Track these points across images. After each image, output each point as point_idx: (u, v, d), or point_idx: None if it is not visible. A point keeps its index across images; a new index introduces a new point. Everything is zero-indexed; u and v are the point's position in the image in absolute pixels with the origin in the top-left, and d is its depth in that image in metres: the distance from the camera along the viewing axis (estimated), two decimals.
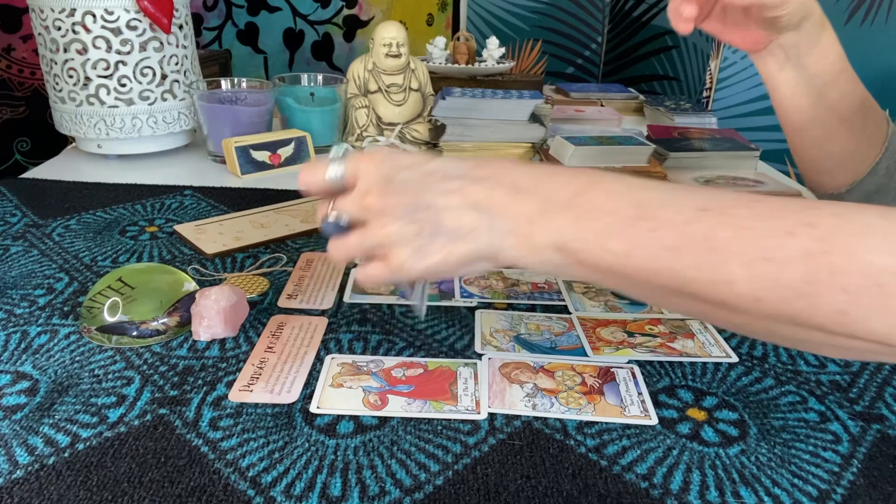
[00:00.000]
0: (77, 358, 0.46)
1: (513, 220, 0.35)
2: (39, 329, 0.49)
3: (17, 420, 0.40)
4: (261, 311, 0.53)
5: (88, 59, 0.81)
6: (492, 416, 0.41)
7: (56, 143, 1.22)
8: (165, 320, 0.48)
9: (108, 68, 0.82)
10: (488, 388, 0.43)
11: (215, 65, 1.36)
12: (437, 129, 0.93)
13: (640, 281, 0.33)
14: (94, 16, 0.79)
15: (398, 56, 1.00)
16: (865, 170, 0.57)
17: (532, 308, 0.54)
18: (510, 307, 0.54)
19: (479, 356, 0.47)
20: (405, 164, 0.38)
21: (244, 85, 0.93)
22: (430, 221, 0.36)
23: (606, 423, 0.41)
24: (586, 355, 0.48)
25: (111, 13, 0.80)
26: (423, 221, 0.37)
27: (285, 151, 0.89)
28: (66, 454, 0.37)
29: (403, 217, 0.37)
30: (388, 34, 0.99)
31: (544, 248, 0.34)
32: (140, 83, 0.84)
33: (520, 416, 0.41)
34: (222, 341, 0.48)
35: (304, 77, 1.01)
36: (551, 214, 0.34)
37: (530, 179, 0.36)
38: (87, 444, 0.38)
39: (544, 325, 0.51)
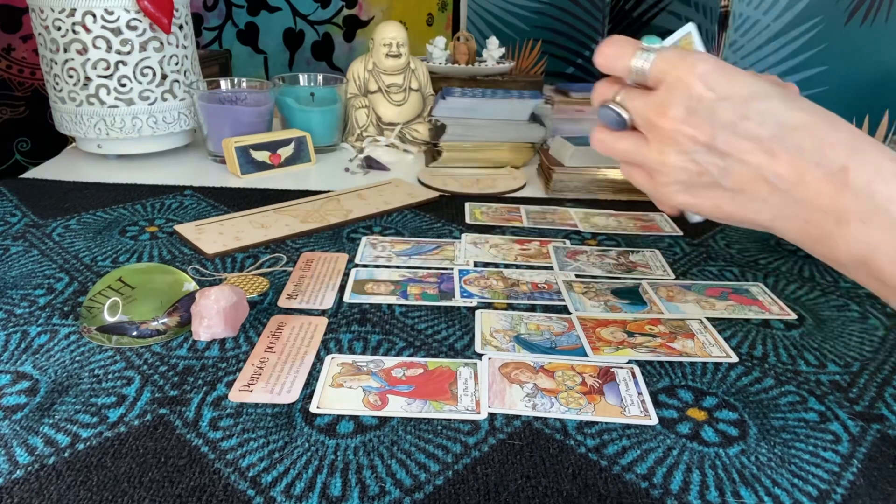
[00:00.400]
0: (77, 358, 0.46)
1: (815, 213, 0.31)
2: (39, 329, 0.49)
3: (17, 420, 0.40)
4: (261, 311, 0.52)
5: (88, 59, 0.81)
6: (492, 416, 0.41)
7: (56, 143, 1.22)
8: (165, 320, 0.48)
9: (108, 68, 0.82)
10: (488, 388, 0.43)
11: (215, 65, 1.36)
12: (437, 129, 0.93)
13: None
14: (94, 16, 0.79)
15: (398, 56, 1.00)
16: None
17: (532, 308, 0.54)
18: (510, 307, 0.54)
19: (479, 356, 0.47)
20: (723, 94, 0.33)
21: (244, 85, 0.93)
22: (717, 168, 0.33)
23: (606, 423, 0.41)
24: (586, 355, 0.48)
25: (111, 13, 0.80)
26: (708, 165, 0.33)
27: (285, 151, 0.89)
28: (66, 454, 0.37)
29: (690, 153, 0.33)
30: (388, 34, 0.99)
31: (844, 256, 0.31)
32: (140, 83, 0.84)
33: (520, 416, 0.41)
34: (222, 341, 0.48)
35: (304, 77, 1.01)
36: (872, 222, 0.29)
37: (862, 168, 0.30)
38: (87, 444, 0.38)
39: (544, 325, 0.51)
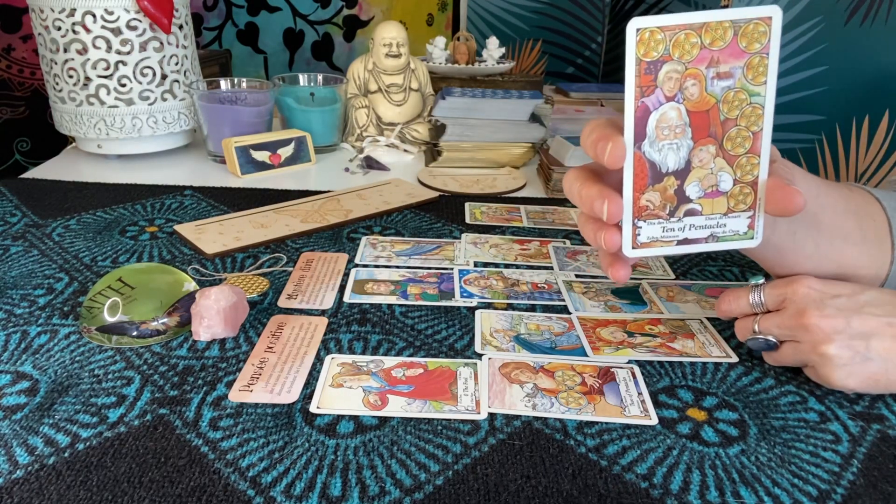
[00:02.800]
0: (77, 358, 0.46)
1: None
2: (39, 329, 0.49)
3: (17, 420, 0.40)
4: (261, 311, 0.53)
5: (88, 59, 0.81)
6: (492, 416, 0.41)
7: (56, 143, 1.22)
8: (165, 320, 0.48)
9: (108, 68, 0.82)
10: (488, 388, 0.43)
11: (215, 65, 1.36)
12: (437, 129, 0.93)
13: None
14: (94, 16, 0.79)
15: (398, 56, 1.00)
16: (887, 260, 0.47)
17: (532, 308, 0.54)
18: (510, 307, 0.54)
19: (479, 356, 0.47)
20: (834, 293, 0.42)
21: (244, 85, 0.94)
22: (862, 347, 0.41)
23: (606, 423, 0.41)
24: (586, 355, 0.48)
25: (111, 13, 0.80)
26: (856, 347, 0.41)
27: (285, 151, 0.89)
28: (66, 454, 0.37)
29: (839, 340, 0.41)
30: (388, 34, 0.99)
31: None
32: (140, 83, 0.84)
33: (520, 416, 0.41)
34: (222, 341, 0.48)
35: (304, 77, 1.01)
36: None
37: None
38: (87, 444, 0.38)
39: (544, 325, 0.51)
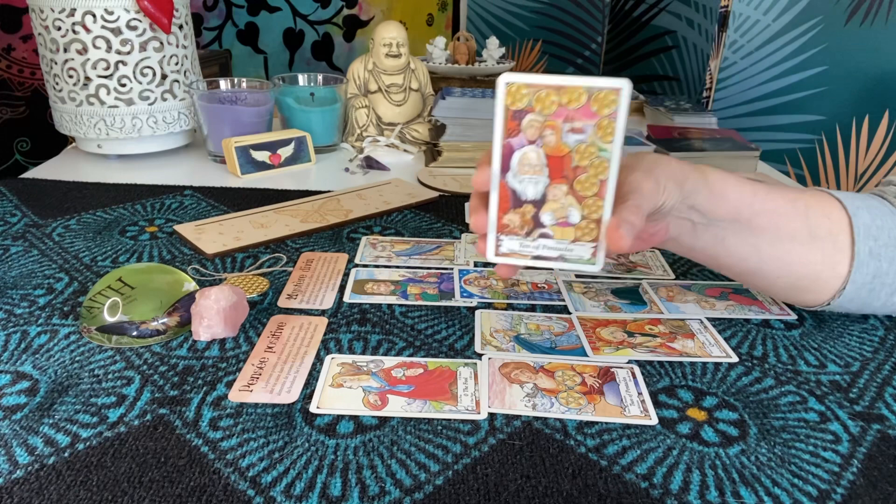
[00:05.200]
0: (77, 358, 0.46)
1: None
2: (39, 329, 0.49)
3: (17, 420, 0.40)
4: (261, 311, 0.53)
5: (88, 59, 0.81)
6: (492, 416, 0.41)
7: (56, 143, 1.22)
8: (165, 320, 0.48)
9: (108, 68, 0.82)
10: (488, 388, 0.43)
11: (215, 65, 1.36)
12: (437, 129, 0.93)
13: None
14: (94, 16, 0.79)
15: (398, 56, 1.00)
16: (847, 265, 0.48)
17: (532, 308, 0.54)
18: (510, 307, 0.54)
19: (479, 356, 0.47)
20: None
21: (244, 85, 0.93)
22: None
23: (606, 423, 0.41)
24: (586, 355, 0.48)
25: (111, 13, 0.80)
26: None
27: (285, 151, 0.89)
28: (66, 454, 0.37)
29: None
30: (388, 34, 0.99)
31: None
32: (140, 83, 0.84)
33: (520, 416, 0.41)
34: (222, 341, 0.48)
35: (304, 77, 1.01)
36: None
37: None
38: (87, 444, 0.38)
39: (544, 325, 0.51)
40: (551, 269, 0.61)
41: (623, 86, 0.37)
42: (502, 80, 0.38)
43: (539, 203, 0.40)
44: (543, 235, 0.41)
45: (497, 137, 0.39)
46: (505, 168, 0.40)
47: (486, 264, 0.62)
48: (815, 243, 0.48)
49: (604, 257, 0.41)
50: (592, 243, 0.41)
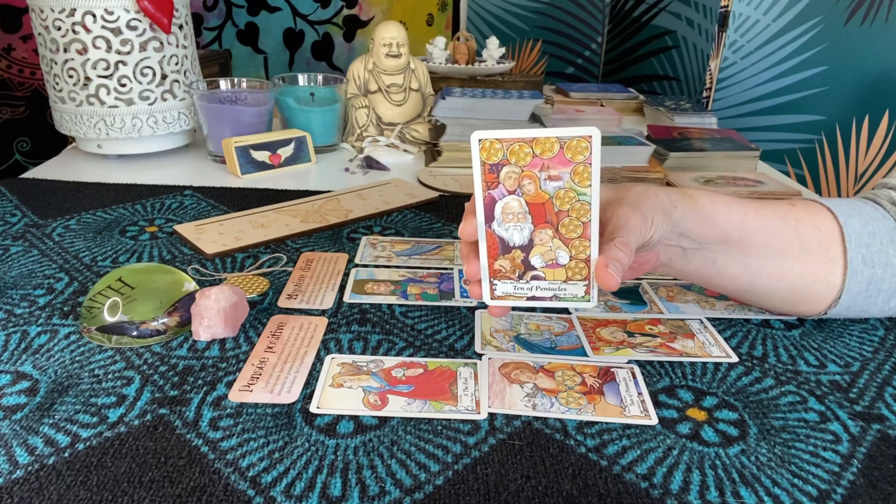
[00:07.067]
0: (77, 358, 0.46)
1: None
2: (39, 329, 0.49)
3: (17, 420, 0.40)
4: (261, 311, 0.53)
5: (88, 59, 0.81)
6: (492, 416, 0.41)
7: (56, 143, 1.22)
8: (165, 320, 0.48)
9: (108, 68, 0.82)
10: (488, 388, 0.43)
11: (215, 65, 1.36)
12: (437, 129, 0.93)
13: None
14: (94, 16, 0.79)
15: (398, 56, 1.00)
16: (841, 275, 0.48)
17: (532, 308, 0.54)
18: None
19: (479, 356, 0.47)
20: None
21: (244, 85, 0.94)
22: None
23: (606, 423, 0.41)
24: (586, 355, 0.48)
25: (111, 13, 0.80)
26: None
27: (285, 151, 0.89)
28: (66, 454, 0.37)
29: None
30: (388, 34, 0.99)
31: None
32: (140, 83, 0.84)
33: (520, 416, 0.41)
34: (222, 341, 0.48)
35: (304, 77, 1.01)
36: None
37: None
38: (87, 444, 0.38)
39: (544, 325, 0.51)
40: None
41: (593, 133, 0.38)
42: (475, 138, 0.39)
43: (527, 248, 0.41)
44: (535, 277, 0.42)
45: (478, 190, 0.40)
46: (489, 218, 0.41)
47: None
48: (806, 256, 0.48)
49: (597, 293, 0.42)
50: (584, 281, 0.41)
